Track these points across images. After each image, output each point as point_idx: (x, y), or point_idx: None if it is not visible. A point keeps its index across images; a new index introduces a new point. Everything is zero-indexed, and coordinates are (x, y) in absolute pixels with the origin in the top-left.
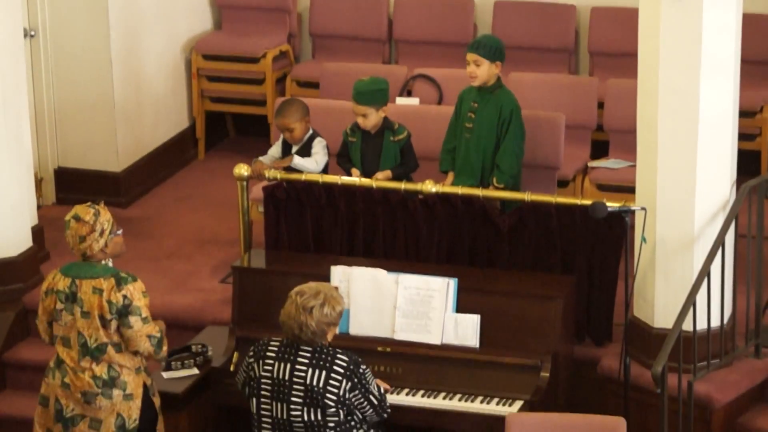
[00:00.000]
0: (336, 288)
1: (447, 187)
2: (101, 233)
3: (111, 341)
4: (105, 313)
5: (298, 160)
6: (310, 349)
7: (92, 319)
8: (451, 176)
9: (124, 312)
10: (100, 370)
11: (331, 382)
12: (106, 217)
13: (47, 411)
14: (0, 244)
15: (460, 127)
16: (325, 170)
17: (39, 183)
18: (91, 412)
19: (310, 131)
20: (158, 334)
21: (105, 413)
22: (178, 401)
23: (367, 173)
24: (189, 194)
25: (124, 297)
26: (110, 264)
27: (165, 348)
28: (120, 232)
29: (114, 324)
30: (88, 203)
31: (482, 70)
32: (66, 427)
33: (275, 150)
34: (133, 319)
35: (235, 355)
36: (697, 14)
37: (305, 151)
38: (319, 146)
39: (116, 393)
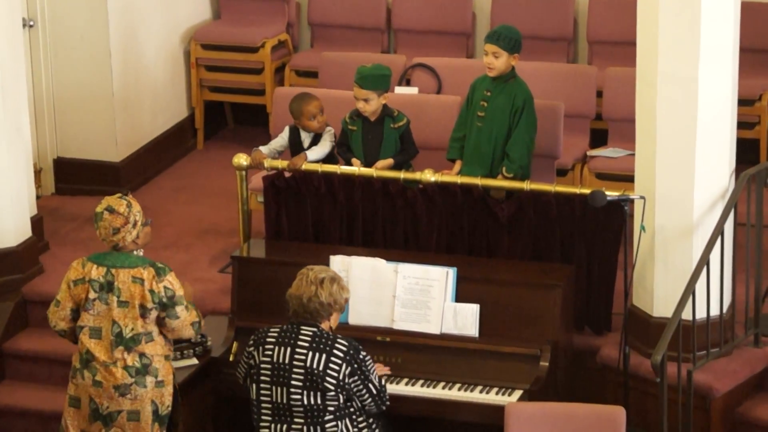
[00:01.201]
0: None
1: (446, 177)
2: (134, 225)
3: (146, 331)
4: (146, 302)
5: (312, 157)
6: (310, 332)
7: (131, 309)
8: (458, 165)
9: (169, 303)
10: (132, 359)
11: (330, 365)
12: (137, 208)
13: (80, 412)
14: None
15: (472, 116)
16: (333, 158)
17: (38, 173)
18: (126, 405)
19: None
20: (198, 319)
21: (140, 403)
22: (178, 391)
23: (368, 161)
24: (188, 184)
25: (166, 288)
26: (141, 254)
27: (202, 329)
28: (150, 221)
29: (154, 314)
30: (118, 194)
31: (500, 62)
32: (106, 424)
33: (279, 142)
34: (179, 309)
35: (235, 344)
36: (696, 2)
37: (317, 140)
38: (328, 135)
39: (149, 380)
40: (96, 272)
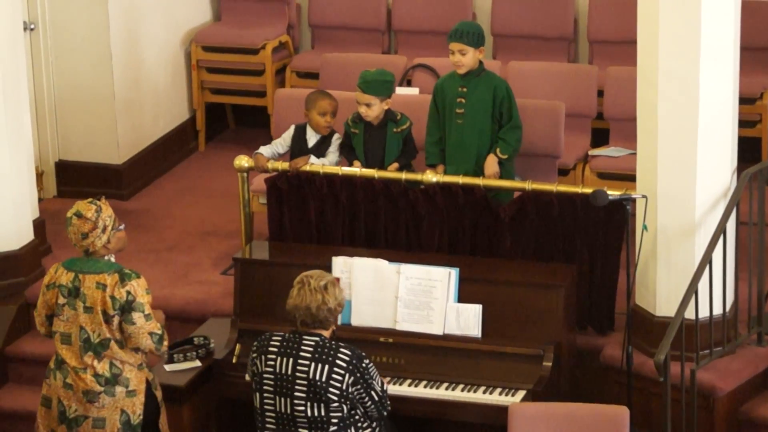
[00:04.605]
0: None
1: (448, 177)
2: (103, 230)
3: (113, 337)
4: (108, 309)
5: (314, 161)
6: (312, 342)
7: (95, 315)
8: (441, 169)
9: (127, 308)
10: (102, 367)
11: (333, 376)
12: (108, 213)
13: (50, 412)
14: (1, 238)
15: (449, 116)
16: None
17: (40, 176)
18: (94, 412)
19: None
20: (159, 331)
21: (108, 411)
22: (181, 394)
23: (370, 164)
24: (190, 186)
25: (128, 293)
26: (113, 259)
27: (165, 344)
28: (122, 227)
29: (116, 320)
30: (90, 199)
31: (468, 58)
32: (70, 428)
33: (281, 143)
34: (136, 316)
35: (238, 347)
36: (696, 1)
37: (325, 144)
38: (335, 145)
39: (119, 390)
40: (65, 278)
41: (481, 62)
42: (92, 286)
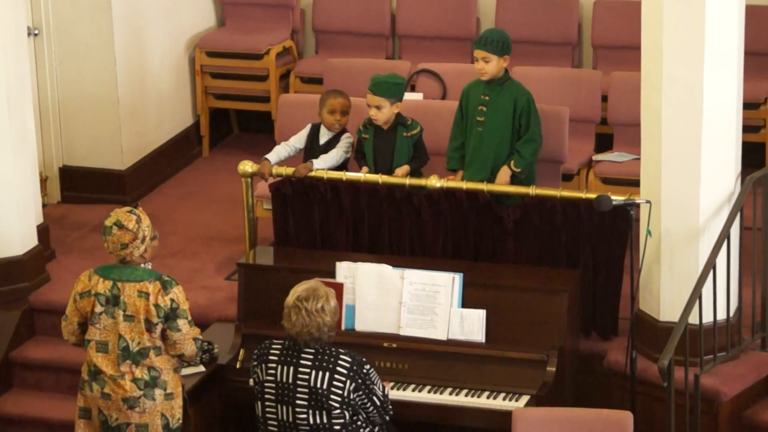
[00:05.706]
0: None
1: (452, 182)
2: (143, 240)
3: (153, 345)
4: (151, 317)
5: (318, 165)
6: (312, 350)
7: (137, 323)
8: (460, 175)
9: (172, 316)
10: (140, 372)
11: (334, 383)
12: (146, 223)
13: (91, 422)
14: (5, 243)
15: (471, 122)
16: (346, 168)
17: (44, 182)
18: (135, 418)
19: None
20: (201, 337)
21: (149, 416)
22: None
23: (380, 169)
24: (194, 192)
25: (172, 301)
26: (149, 267)
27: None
28: (158, 235)
29: (159, 328)
30: (128, 208)
31: (491, 66)
32: None
33: (296, 140)
34: (181, 323)
35: (242, 352)
36: (700, 6)
37: (334, 142)
38: (345, 141)
39: (158, 393)
40: (102, 286)
41: (506, 71)
42: (133, 294)
